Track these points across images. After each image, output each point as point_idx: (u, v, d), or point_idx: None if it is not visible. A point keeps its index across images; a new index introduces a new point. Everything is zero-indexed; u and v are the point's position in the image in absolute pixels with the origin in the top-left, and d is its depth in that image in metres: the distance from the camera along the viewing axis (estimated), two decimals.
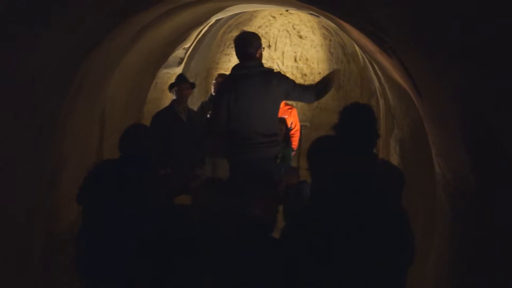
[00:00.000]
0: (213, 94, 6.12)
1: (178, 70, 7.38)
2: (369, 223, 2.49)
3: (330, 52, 9.68)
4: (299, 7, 5.64)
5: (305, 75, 9.72)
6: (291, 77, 9.53)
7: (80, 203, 3.43)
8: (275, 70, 4.60)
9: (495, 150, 2.26)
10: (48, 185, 3.62)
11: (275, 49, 9.68)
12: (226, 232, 2.81)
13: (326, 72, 9.63)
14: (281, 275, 2.50)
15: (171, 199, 3.63)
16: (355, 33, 4.49)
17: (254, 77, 4.36)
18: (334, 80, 4.77)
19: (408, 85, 3.56)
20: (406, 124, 4.81)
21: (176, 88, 5.46)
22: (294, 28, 9.74)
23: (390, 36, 3.17)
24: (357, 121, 3.15)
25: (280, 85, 4.41)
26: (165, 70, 7.13)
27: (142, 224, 3.01)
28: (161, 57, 6.38)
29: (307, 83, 9.54)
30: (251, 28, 9.46)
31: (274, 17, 9.74)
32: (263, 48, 4.53)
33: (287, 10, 9.32)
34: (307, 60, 9.74)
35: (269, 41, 9.66)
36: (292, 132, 6.43)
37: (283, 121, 6.05)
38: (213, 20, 7.21)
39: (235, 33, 9.49)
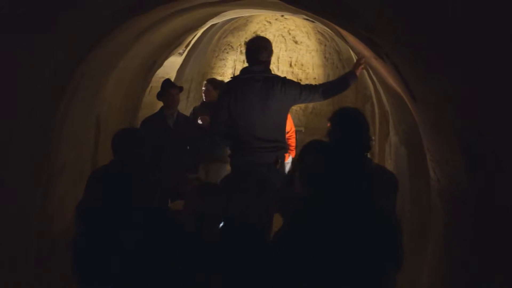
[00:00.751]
0: (204, 99, 6.11)
1: (173, 75, 7.38)
2: (361, 229, 2.50)
3: (325, 57, 9.70)
4: (294, 12, 5.65)
5: (300, 80, 9.74)
6: None
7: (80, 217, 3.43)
8: (281, 76, 4.57)
9: (490, 155, 2.27)
10: (44, 188, 3.61)
11: None
12: (219, 237, 2.81)
13: (321, 78, 9.66)
14: (273, 280, 2.50)
15: (165, 203, 3.62)
16: (351, 38, 4.50)
17: (257, 82, 4.37)
18: (355, 74, 4.68)
19: (403, 90, 3.57)
20: (401, 130, 4.82)
21: (166, 94, 5.35)
22: (290, 33, 9.76)
23: (384, 42, 3.18)
24: (347, 125, 3.15)
25: (285, 90, 4.39)
26: (160, 75, 7.13)
27: (138, 228, 3.01)
28: (157, 62, 6.37)
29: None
30: (246, 33, 9.49)
31: (270, 22, 9.76)
32: None
33: (282, 15, 9.35)
34: (302, 65, 9.76)
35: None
36: (287, 135, 6.42)
37: None
38: (208, 25, 7.22)
39: (231, 38, 9.53)
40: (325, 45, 9.68)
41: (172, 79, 6.75)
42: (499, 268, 2.33)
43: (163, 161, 4.82)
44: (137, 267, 2.86)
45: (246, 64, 4.63)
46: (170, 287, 2.67)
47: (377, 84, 5.81)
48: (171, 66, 7.31)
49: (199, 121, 5.43)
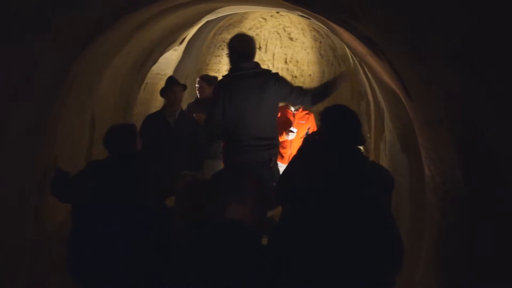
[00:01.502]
0: (198, 96, 6.08)
1: (168, 71, 7.37)
2: (357, 227, 2.49)
3: (320, 54, 9.69)
4: (289, 9, 5.64)
5: (295, 77, 9.73)
6: None
7: (66, 201, 3.42)
8: (272, 71, 4.57)
9: (485, 153, 2.27)
10: (38, 186, 3.60)
11: (266, 51, 9.68)
12: (205, 237, 2.80)
13: (316, 74, 9.65)
14: (265, 279, 2.49)
15: (161, 201, 3.60)
16: (346, 35, 4.49)
17: (250, 78, 4.34)
18: (340, 83, 4.73)
19: (398, 87, 3.57)
20: (396, 127, 4.82)
21: (169, 91, 5.26)
22: (285, 30, 9.75)
23: (380, 39, 3.18)
24: (336, 119, 3.13)
25: (277, 87, 4.39)
26: (155, 72, 7.11)
27: (133, 223, 3.00)
28: (151, 59, 6.35)
29: (307, 85, 9.60)
30: (241, 29, 9.47)
31: (265, 19, 9.74)
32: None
33: (278, 12, 9.33)
34: (297, 62, 9.75)
35: (259, 43, 9.67)
36: None
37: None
38: (203, 21, 7.20)
39: (226, 35, 9.51)
40: (320, 42, 9.67)
41: (167, 76, 6.73)
42: (493, 265, 2.33)
43: (163, 159, 4.77)
44: (132, 264, 2.85)
45: None
46: (163, 284, 2.66)
47: (372, 81, 5.80)
48: (166, 62, 7.29)
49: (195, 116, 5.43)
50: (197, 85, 6.12)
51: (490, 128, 2.15)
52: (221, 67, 9.67)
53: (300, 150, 3.19)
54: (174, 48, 7.07)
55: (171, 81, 5.34)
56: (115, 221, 3.02)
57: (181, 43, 7.21)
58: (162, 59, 6.88)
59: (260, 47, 9.64)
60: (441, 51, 2.29)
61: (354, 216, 2.51)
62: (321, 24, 6.28)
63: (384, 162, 5.66)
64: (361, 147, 3.25)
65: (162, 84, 5.92)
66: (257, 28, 9.77)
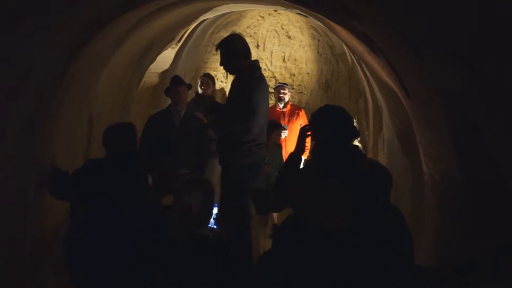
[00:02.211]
0: (200, 93, 6.07)
1: (166, 69, 7.36)
2: (358, 224, 2.48)
3: (318, 52, 9.69)
4: (287, 7, 5.64)
5: (294, 75, 9.73)
6: (279, 77, 9.62)
7: (62, 198, 3.41)
8: None
9: (482, 150, 2.27)
10: (36, 185, 3.59)
11: (264, 49, 9.67)
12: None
13: (314, 72, 9.66)
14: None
15: (158, 198, 3.61)
16: (344, 33, 4.49)
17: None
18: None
19: (396, 85, 3.57)
20: (394, 125, 4.83)
21: (173, 91, 5.18)
22: (283, 28, 9.74)
23: (379, 37, 3.18)
24: (326, 119, 3.13)
25: None
26: (153, 70, 7.10)
27: (131, 223, 3.00)
28: (149, 57, 6.34)
29: (305, 83, 9.60)
30: (239, 28, 9.46)
31: (263, 17, 9.73)
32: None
33: (275, 10, 9.32)
34: (295, 60, 9.75)
35: (257, 41, 9.66)
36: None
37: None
38: (201, 20, 7.19)
39: (224, 33, 9.49)
40: (318, 40, 9.66)
41: (165, 74, 6.73)
42: (491, 262, 2.33)
43: (167, 158, 4.75)
44: (129, 264, 2.85)
45: None
46: (161, 284, 2.66)
47: (371, 79, 5.80)
48: (164, 61, 7.27)
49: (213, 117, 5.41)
50: (200, 82, 6.10)
51: (488, 125, 2.15)
52: (219, 65, 9.65)
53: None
54: (172, 46, 7.06)
55: (176, 80, 5.24)
56: (113, 220, 3.02)
57: (179, 41, 7.20)
58: (160, 57, 6.86)
59: (258, 46, 9.64)
60: (439, 49, 2.29)
61: (360, 215, 2.51)
62: (319, 22, 6.28)
63: (382, 160, 5.66)
64: (360, 145, 3.25)
65: (159, 82, 5.91)
66: (255, 26, 9.76)
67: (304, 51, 9.72)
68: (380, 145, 6.09)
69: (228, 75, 9.47)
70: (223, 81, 9.54)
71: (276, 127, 5.70)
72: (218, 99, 8.08)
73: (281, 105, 6.56)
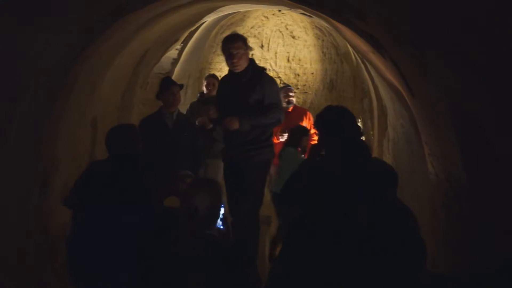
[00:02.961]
0: (204, 93, 6.06)
1: (170, 71, 7.36)
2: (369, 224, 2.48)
3: (323, 52, 9.68)
4: (291, 7, 5.63)
5: (298, 75, 9.72)
6: (284, 77, 9.62)
7: (70, 206, 3.41)
8: None
9: (487, 149, 2.26)
10: (40, 187, 3.61)
11: (268, 50, 9.67)
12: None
13: (319, 72, 9.65)
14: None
15: (160, 202, 3.60)
16: (348, 33, 4.48)
17: None
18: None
19: (401, 85, 3.56)
20: (399, 124, 4.82)
21: (168, 92, 5.05)
22: (287, 28, 9.73)
23: (383, 37, 3.17)
24: (335, 122, 3.13)
25: None
26: (157, 71, 7.11)
27: (134, 225, 3.00)
28: (153, 58, 6.35)
29: (310, 83, 9.60)
30: (243, 28, 9.46)
31: (267, 17, 9.73)
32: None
33: (279, 10, 9.31)
34: (300, 60, 9.74)
35: (262, 42, 9.65)
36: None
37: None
38: (205, 20, 7.19)
39: (228, 34, 9.50)
40: (323, 40, 9.65)
41: (170, 76, 6.72)
42: (495, 262, 2.33)
43: (161, 161, 4.72)
44: (132, 266, 2.85)
45: None
46: (163, 286, 2.66)
47: (375, 79, 5.79)
48: (168, 62, 7.28)
49: (197, 122, 5.38)
50: (206, 82, 6.09)
51: (493, 125, 2.14)
52: (223, 66, 9.64)
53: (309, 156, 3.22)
54: (176, 47, 7.07)
55: (169, 81, 5.18)
56: (114, 221, 3.02)
57: (183, 42, 7.21)
58: (164, 58, 6.87)
59: (262, 46, 9.63)
60: (443, 49, 2.28)
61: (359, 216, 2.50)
62: (323, 22, 6.27)
63: (387, 159, 5.65)
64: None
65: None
66: (259, 26, 9.76)
67: (309, 51, 9.72)
68: (385, 145, 6.08)
69: None
70: None
71: (305, 133, 5.62)
72: None
73: (289, 107, 6.36)
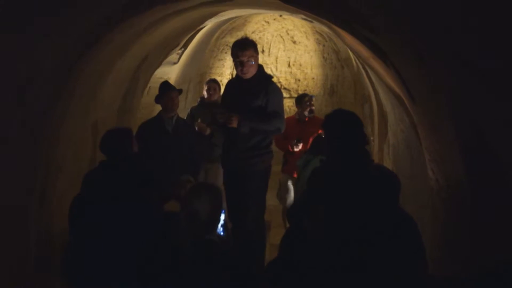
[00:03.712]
0: (205, 98, 6.05)
1: (171, 75, 7.37)
2: (368, 230, 2.48)
3: (323, 57, 9.70)
4: (292, 12, 5.65)
5: (299, 80, 9.73)
6: (284, 82, 9.63)
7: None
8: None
9: (488, 155, 2.26)
10: (41, 190, 3.60)
11: (269, 54, 9.69)
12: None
13: (319, 78, 9.66)
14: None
15: (159, 204, 3.60)
16: (349, 38, 4.49)
17: None
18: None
19: (402, 90, 3.57)
20: (399, 129, 4.82)
21: (166, 97, 5.05)
22: (288, 34, 9.76)
23: (384, 43, 3.18)
24: (340, 124, 3.13)
25: None
26: (159, 75, 7.12)
27: (134, 229, 3.00)
28: (155, 62, 6.36)
29: (310, 88, 9.60)
30: (244, 33, 9.48)
31: (268, 22, 9.75)
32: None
33: (280, 16, 9.33)
34: (300, 65, 9.76)
35: (262, 46, 9.67)
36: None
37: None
38: (206, 25, 7.21)
39: (229, 38, 9.52)
40: (324, 45, 9.67)
41: (170, 80, 6.73)
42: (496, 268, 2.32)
43: (161, 166, 4.70)
44: (130, 269, 2.85)
45: None
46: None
47: (376, 84, 5.80)
48: (169, 66, 7.30)
49: (196, 128, 5.38)
50: (207, 87, 6.07)
51: (494, 130, 2.14)
52: (224, 70, 9.67)
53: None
54: (177, 52, 7.08)
55: (167, 86, 5.16)
56: (111, 225, 3.01)
57: (184, 46, 7.22)
58: (165, 62, 6.88)
59: (263, 51, 9.65)
60: (443, 54, 2.29)
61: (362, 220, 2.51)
62: (324, 28, 6.28)
63: (388, 165, 5.65)
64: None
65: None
66: (260, 31, 9.78)
67: (309, 56, 9.74)
68: (385, 150, 6.08)
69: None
70: None
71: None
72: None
73: (306, 113, 6.04)
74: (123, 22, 3.78)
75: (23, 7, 2.37)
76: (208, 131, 5.40)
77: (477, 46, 1.93)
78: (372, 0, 2.61)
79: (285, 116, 5.46)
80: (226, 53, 9.60)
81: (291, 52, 9.77)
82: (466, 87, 2.24)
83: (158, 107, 5.36)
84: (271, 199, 6.06)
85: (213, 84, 6.11)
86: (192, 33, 7.04)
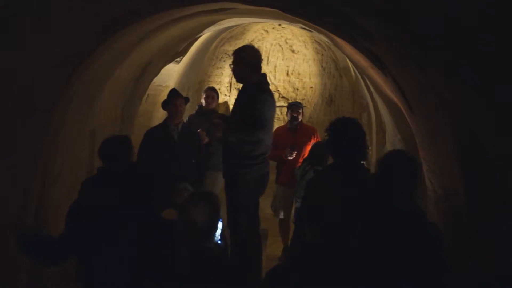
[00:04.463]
0: (204, 106, 6.05)
1: (170, 83, 7.38)
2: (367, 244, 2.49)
3: (322, 66, 9.71)
4: (291, 21, 5.66)
5: (297, 89, 9.74)
6: (283, 91, 9.64)
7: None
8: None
9: (486, 166, 2.26)
10: (39, 197, 3.60)
11: (268, 63, 9.70)
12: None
13: (318, 87, 9.67)
14: None
15: (158, 212, 3.59)
16: (348, 48, 4.51)
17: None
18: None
19: (400, 100, 3.57)
20: (397, 139, 4.82)
21: (170, 104, 5.12)
22: (287, 42, 9.78)
23: (383, 52, 3.18)
24: (345, 133, 3.14)
25: None
26: (157, 83, 7.12)
27: (132, 236, 2.99)
28: (153, 70, 6.36)
29: (309, 98, 9.61)
30: (243, 42, 9.48)
31: (267, 31, 9.77)
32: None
33: (279, 24, 9.36)
34: (299, 74, 9.77)
35: (261, 55, 9.68)
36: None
37: None
38: (205, 33, 7.22)
39: (228, 47, 9.53)
40: (322, 54, 9.69)
41: (169, 88, 6.74)
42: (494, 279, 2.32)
43: (166, 172, 4.70)
44: (129, 276, 2.84)
45: None
46: None
47: (374, 94, 5.81)
48: (168, 74, 7.29)
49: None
50: (205, 95, 6.07)
51: (491, 141, 2.15)
52: (222, 79, 9.68)
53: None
54: (176, 60, 7.09)
55: (173, 93, 5.23)
56: (112, 231, 3.00)
57: (183, 54, 7.23)
58: (164, 70, 6.88)
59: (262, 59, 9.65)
60: (442, 64, 2.29)
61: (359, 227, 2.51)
62: (323, 37, 6.30)
63: None
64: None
65: (163, 95, 5.90)
66: (259, 40, 9.80)
67: (308, 65, 9.75)
68: None
69: (232, 89, 9.50)
70: (227, 94, 9.57)
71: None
72: (221, 112, 8.08)
73: (295, 124, 6.05)
74: (122, 30, 3.79)
75: (22, 15, 2.38)
76: (206, 139, 5.40)
77: (477, 59, 1.93)
78: (372, 11, 2.62)
79: (279, 125, 5.47)
80: (224, 61, 9.61)
81: (290, 61, 9.78)
82: (465, 98, 2.24)
83: (157, 114, 5.38)
84: (268, 207, 6.05)
85: (211, 92, 6.12)
86: (191, 41, 7.06)
